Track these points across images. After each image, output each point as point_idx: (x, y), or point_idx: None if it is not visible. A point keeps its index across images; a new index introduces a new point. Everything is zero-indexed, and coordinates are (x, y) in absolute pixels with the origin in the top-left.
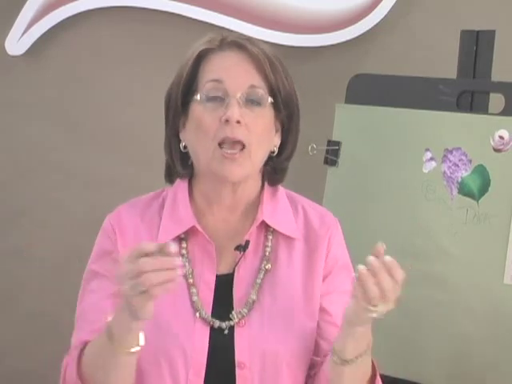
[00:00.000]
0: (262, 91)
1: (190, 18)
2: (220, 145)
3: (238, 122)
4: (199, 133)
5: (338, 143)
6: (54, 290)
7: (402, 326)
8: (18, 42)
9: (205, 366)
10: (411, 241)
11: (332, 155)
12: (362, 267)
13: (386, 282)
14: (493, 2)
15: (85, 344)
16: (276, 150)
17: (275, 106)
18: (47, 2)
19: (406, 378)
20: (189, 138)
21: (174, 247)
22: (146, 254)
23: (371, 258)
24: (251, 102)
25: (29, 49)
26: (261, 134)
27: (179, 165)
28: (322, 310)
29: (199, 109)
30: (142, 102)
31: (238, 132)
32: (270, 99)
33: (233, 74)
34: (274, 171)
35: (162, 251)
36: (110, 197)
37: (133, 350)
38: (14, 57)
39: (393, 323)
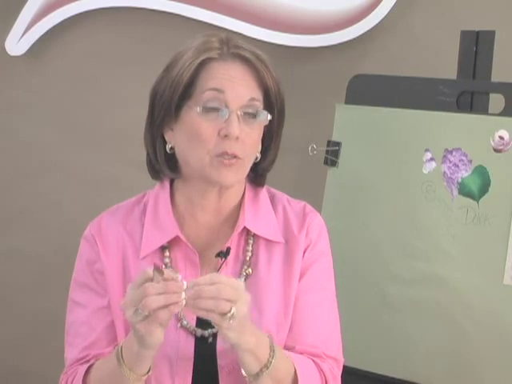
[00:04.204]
0: (259, 104)
1: (190, 18)
2: (217, 156)
3: (237, 137)
4: (193, 142)
5: (338, 144)
6: (54, 290)
7: (402, 326)
8: (18, 43)
9: (191, 374)
10: (411, 241)
11: (332, 156)
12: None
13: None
14: (493, 2)
15: (78, 361)
16: (259, 156)
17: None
18: (47, 3)
19: (405, 378)
20: (179, 143)
21: (180, 276)
22: (151, 279)
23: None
24: (248, 115)
25: (29, 49)
26: (253, 145)
27: (166, 167)
28: (294, 308)
29: (196, 119)
30: (141, 102)
31: (236, 147)
32: (269, 116)
33: (234, 85)
34: (260, 176)
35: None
36: (110, 197)
37: (143, 376)
38: (14, 57)
39: (392, 323)
